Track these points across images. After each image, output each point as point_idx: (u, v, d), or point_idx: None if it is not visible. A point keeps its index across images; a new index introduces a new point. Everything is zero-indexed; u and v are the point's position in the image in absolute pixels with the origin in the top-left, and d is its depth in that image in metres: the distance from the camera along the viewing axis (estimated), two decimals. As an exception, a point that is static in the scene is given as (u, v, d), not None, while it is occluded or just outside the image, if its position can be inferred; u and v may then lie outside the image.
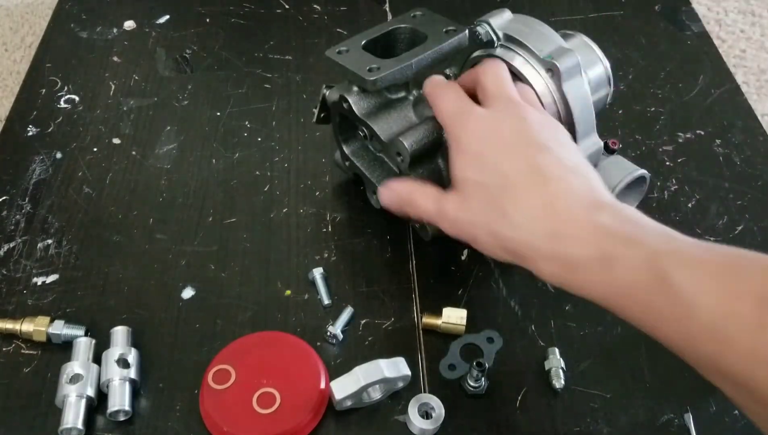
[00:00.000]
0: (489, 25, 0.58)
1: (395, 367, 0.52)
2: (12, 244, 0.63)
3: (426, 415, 0.53)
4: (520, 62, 0.57)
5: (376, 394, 0.53)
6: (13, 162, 0.70)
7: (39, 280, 0.61)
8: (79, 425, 0.51)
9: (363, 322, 0.59)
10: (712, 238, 0.65)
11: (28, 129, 0.73)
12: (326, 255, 0.63)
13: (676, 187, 0.70)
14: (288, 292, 0.61)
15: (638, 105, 0.78)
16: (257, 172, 0.70)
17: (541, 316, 0.59)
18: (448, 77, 0.61)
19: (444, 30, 0.57)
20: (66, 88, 0.78)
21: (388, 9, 0.88)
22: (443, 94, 0.54)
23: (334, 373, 0.54)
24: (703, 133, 0.75)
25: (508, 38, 0.58)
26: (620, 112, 0.76)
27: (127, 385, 0.53)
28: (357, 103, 0.57)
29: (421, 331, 0.58)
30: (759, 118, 0.77)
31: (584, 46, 0.60)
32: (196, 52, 0.82)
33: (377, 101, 0.58)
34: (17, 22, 1.15)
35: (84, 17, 0.86)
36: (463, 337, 0.58)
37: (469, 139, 0.50)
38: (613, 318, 0.59)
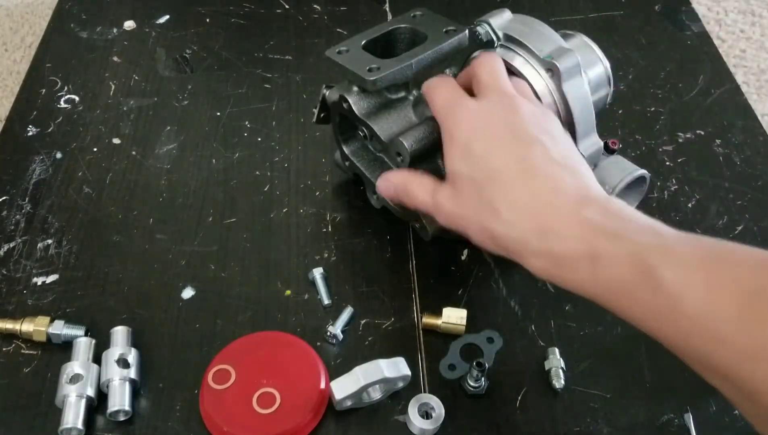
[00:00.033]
0: (489, 25, 0.58)
1: (395, 367, 0.52)
2: (12, 244, 0.63)
3: (426, 415, 0.53)
4: (520, 62, 0.57)
5: (376, 394, 0.53)
6: (13, 162, 0.70)
7: (39, 280, 0.61)
8: (79, 425, 0.51)
9: (363, 322, 0.59)
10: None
11: (28, 129, 0.73)
12: (326, 255, 0.63)
13: (676, 187, 0.70)
14: (288, 292, 0.61)
15: (638, 105, 0.78)
16: (257, 172, 0.70)
17: (541, 316, 0.59)
18: (448, 77, 0.62)
19: (444, 30, 0.57)
20: (66, 88, 0.78)
21: (388, 9, 0.88)
22: (438, 87, 0.54)
23: (334, 373, 0.54)
24: (703, 133, 0.75)
25: (508, 38, 0.58)
26: (620, 112, 0.76)
27: (127, 385, 0.53)
28: (357, 103, 0.57)
29: (421, 331, 0.58)
30: (759, 118, 0.77)
31: (584, 46, 0.60)
32: (196, 52, 0.83)
33: (377, 101, 0.58)
34: (17, 22, 1.15)
35: (84, 17, 0.86)
36: (463, 337, 0.58)
37: (461, 131, 0.50)
38: (613, 318, 0.59)
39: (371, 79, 0.54)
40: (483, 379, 0.54)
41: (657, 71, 0.81)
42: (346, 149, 0.64)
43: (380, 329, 0.58)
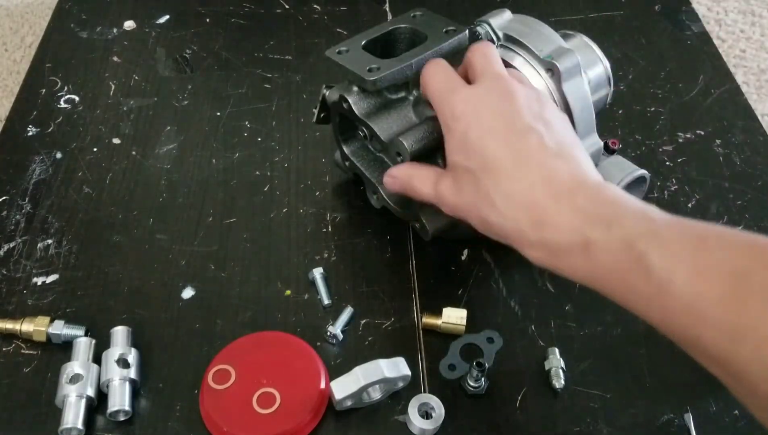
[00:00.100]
0: (489, 25, 0.58)
1: (395, 367, 0.52)
2: (12, 244, 0.63)
3: (426, 415, 0.53)
4: (520, 62, 0.57)
5: (376, 394, 0.53)
6: (13, 162, 0.70)
7: (39, 280, 0.61)
8: (79, 425, 0.51)
9: (363, 322, 0.59)
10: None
11: (28, 129, 0.73)
12: (326, 255, 0.63)
13: (676, 187, 0.70)
14: (288, 292, 0.61)
15: (638, 105, 0.78)
16: (257, 172, 0.70)
17: (541, 316, 0.59)
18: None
19: (444, 30, 0.57)
20: (66, 88, 0.78)
21: (388, 9, 0.88)
22: (433, 73, 0.54)
23: (334, 373, 0.54)
24: (703, 133, 0.75)
25: (508, 38, 0.58)
26: (620, 112, 0.76)
27: (127, 385, 0.53)
28: (357, 103, 0.57)
29: (421, 331, 0.58)
30: (759, 118, 0.77)
31: (584, 46, 0.60)
32: (196, 52, 0.83)
33: (377, 101, 0.58)
34: (17, 22, 1.15)
35: (84, 17, 0.86)
36: (463, 337, 0.58)
37: (456, 118, 0.50)
38: (613, 318, 0.59)
39: (371, 79, 0.54)
40: (483, 379, 0.54)
41: (657, 71, 0.81)
42: (346, 149, 0.64)
43: (380, 329, 0.58)
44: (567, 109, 0.56)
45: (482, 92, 0.51)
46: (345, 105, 0.58)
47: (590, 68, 0.60)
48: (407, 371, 0.53)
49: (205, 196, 0.68)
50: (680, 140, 0.74)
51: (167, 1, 0.89)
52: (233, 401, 0.52)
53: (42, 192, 0.68)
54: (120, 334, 0.55)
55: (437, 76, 0.53)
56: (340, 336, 0.57)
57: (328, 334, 0.57)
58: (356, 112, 0.57)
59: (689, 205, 0.68)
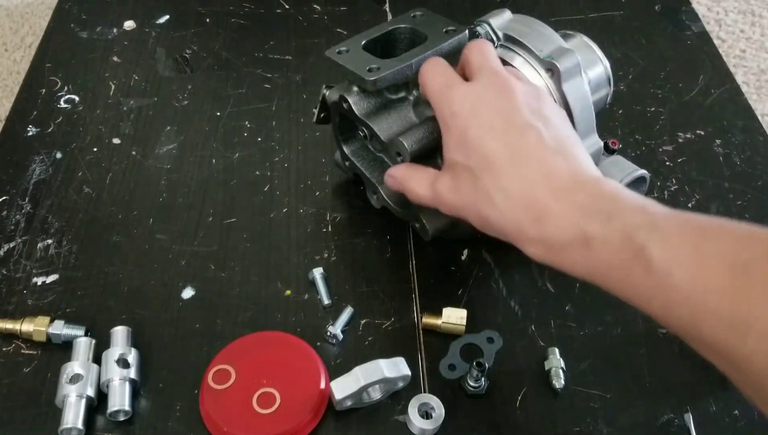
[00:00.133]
0: (489, 25, 0.58)
1: (395, 367, 0.52)
2: (12, 244, 0.63)
3: (426, 415, 0.53)
4: (520, 62, 0.57)
5: (376, 394, 0.53)
6: (13, 162, 0.70)
7: (39, 280, 0.61)
8: (79, 425, 0.51)
9: (363, 322, 0.59)
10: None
11: (28, 129, 0.73)
12: (326, 255, 0.63)
13: (676, 187, 0.70)
14: (288, 292, 0.61)
15: (638, 105, 0.78)
16: (257, 172, 0.70)
17: (541, 316, 0.59)
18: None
19: (444, 30, 0.57)
20: (66, 88, 0.78)
21: (388, 9, 0.88)
22: (430, 72, 0.54)
23: (334, 373, 0.54)
24: (703, 133, 0.75)
25: (508, 38, 0.58)
26: (620, 112, 0.76)
27: (127, 385, 0.53)
28: (357, 104, 0.57)
29: (421, 331, 0.58)
30: (759, 118, 0.77)
31: (584, 46, 0.60)
32: (196, 52, 0.83)
33: (377, 101, 0.58)
34: (17, 22, 1.15)
35: (84, 17, 0.86)
36: (463, 337, 0.58)
37: (454, 115, 0.50)
38: (613, 318, 0.59)
39: (371, 79, 0.54)
40: (483, 379, 0.54)
41: (657, 71, 0.81)
42: (346, 149, 0.64)
43: (380, 329, 0.58)
44: (567, 109, 0.56)
45: (480, 89, 0.51)
46: (345, 105, 0.58)
47: (590, 68, 0.60)
48: (407, 371, 0.53)
49: (205, 196, 0.68)
50: (680, 140, 0.74)
51: (167, 1, 0.89)
52: (233, 401, 0.52)
53: (42, 192, 0.68)
54: (120, 334, 0.55)
55: (435, 75, 0.53)
56: (340, 336, 0.57)
57: (328, 334, 0.57)
58: (356, 112, 0.57)
59: (689, 205, 0.68)
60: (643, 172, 0.60)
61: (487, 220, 0.49)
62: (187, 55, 0.82)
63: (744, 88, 0.88)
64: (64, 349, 0.56)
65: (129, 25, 0.85)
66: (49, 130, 0.73)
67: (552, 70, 0.56)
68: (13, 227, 0.65)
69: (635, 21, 0.88)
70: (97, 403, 0.53)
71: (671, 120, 0.76)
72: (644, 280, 0.41)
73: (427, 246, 0.63)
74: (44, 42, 0.84)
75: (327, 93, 0.61)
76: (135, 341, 0.56)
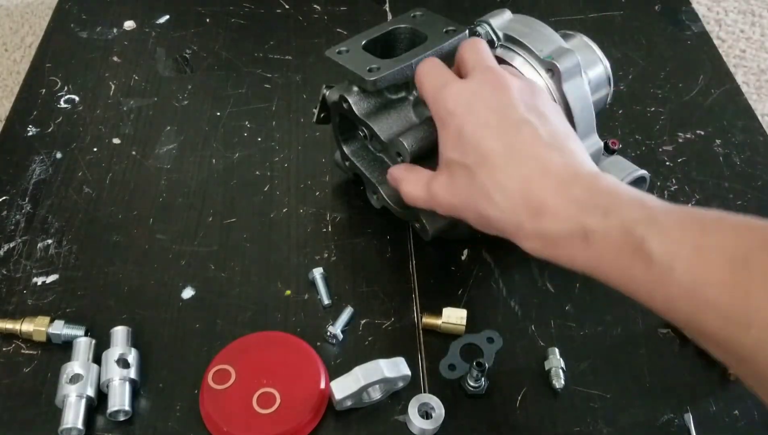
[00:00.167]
0: (489, 25, 0.58)
1: (395, 367, 0.52)
2: (12, 244, 0.63)
3: (426, 415, 0.53)
4: (520, 62, 0.57)
5: (376, 394, 0.53)
6: (13, 162, 0.70)
7: (39, 280, 0.61)
8: (79, 425, 0.51)
9: (363, 322, 0.59)
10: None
11: (28, 129, 0.73)
12: (326, 255, 0.63)
13: (676, 187, 0.70)
14: (288, 292, 0.61)
15: (638, 105, 0.78)
16: (257, 172, 0.70)
17: (541, 316, 0.59)
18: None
19: (444, 30, 0.57)
20: (66, 88, 0.78)
21: (388, 9, 0.88)
22: (426, 71, 0.54)
23: (334, 373, 0.54)
24: (703, 133, 0.75)
25: (508, 38, 0.58)
26: (620, 112, 0.76)
27: (127, 385, 0.53)
28: (357, 104, 0.57)
29: (421, 331, 0.58)
30: (759, 118, 0.77)
31: (584, 46, 0.60)
32: (196, 52, 0.83)
33: (377, 101, 0.58)
34: (17, 22, 1.15)
35: (84, 17, 0.86)
36: (463, 337, 0.58)
37: (450, 112, 0.50)
38: (613, 318, 0.59)
39: (371, 79, 0.54)
40: (483, 379, 0.54)
41: (657, 71, 0.81)
42: (346, 149, 0.64)
43: (380, 329, 0.58)
44: (567, 109, 0.56)
45: (475, 86, 0.51)
46: (345, 105, 0.58)
47: (590, 68, 0.60)
48: (407, 371, 0.53)
49: (205, 196, 0.68)
50: (680, 140, 0.74)
51: (167, 1, 0.89)
52: (233, 401, 0.52)
53: (42, 192, 0.68)
54: (120, 334, 0.55)
55: (430, 74, 0.53)
56: (340, 336, 0.57)
57: (328, 334, 0.57)
58: (356, 112, 0.57)
59: (689, 205, 0.68)
60: (643, 172, 0.60)
61: (484, 216, 0.49)
62: (187, 55, 0.82)
63: (744, 88, 0.88)
64: (64, 349, 0.56)
65: (129, 25, 0.85)
66: (49, 130, 0.73)
67: (552, 70, 0.56)
68: (13, 227, 0.65)
69: (635, 21, 0.88)
70: (97, 403, 0.53)
71: (671, 120, 0.76)
72: (644, 274, 0.41)
73: (427, 246, 0.63)
74: (44, 42, 0.84)
75: (327, 93, 0.61)
76: (135, 341, 0.56)
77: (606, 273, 0.44)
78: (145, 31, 0.85)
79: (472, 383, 0.54)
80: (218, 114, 0.76)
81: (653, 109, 0.77)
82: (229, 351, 0.55)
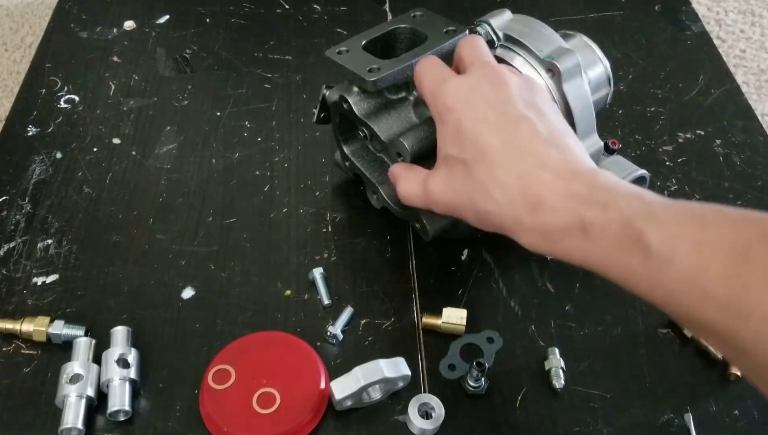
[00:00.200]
0: (489, 25, 0.58)
1: (395, 367, 0.52)
2: (12, 244, 0.63)
3: (426, 415, 0.53)
4: (520, 62, 0.57)
5: (376, 394, 0.53)
6: (13, 162, 0.70)
7: (39, 280, 0.61)
8: (79, 425, 0.51)
9: (363, 322, 0.59)
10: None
11: (28, 129, 0.73)
12: (326, 255, 0.63)
13: (676, 187, 0.70)
14: (288, 292, 0.61)
15: (638, 105, 0.78)
16: (257, 172, 0.70)
17: (541, 316, 0.59)
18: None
19: (444, 30, 0.57)
20: (66, 88, 0.78)
21: (388, 9, 0.88)
22: (424, 70, 0.54)
23: (334, 373, 0.54)
24: (703, 133, 0.75)
25: (508, 38, 0.58)
26: (620, 112, 0.76)
27: (127, 385, 0.53)
28: (357, 104, 0.57)
29: (421, 331, 0.58)
30: (759, 118, 0.77)
31: (584, 46, 0.60)
32: (196, 52, 0.83)
33: (377, 102, 0.58)
34: (17, 22, 1.15)
35: (84, 17, 0.86)
36: (463, 337, 0.58)
37: (449, 109, 0.50)
38: (613, 318, 0.59)
39: (371, 79, 0.54)
40: (483, 379, 0.54)
41: (657, 71, 0.81)
42: (346, 149, 0.64)
43: (380, 329, 0.58)
44: (567, 109, 0.56)
45: (474, 81, 0.51)
46: (345, 105, 0.58)
47: (590, 68, 0.60)
48: (407, 371, 0.53)
49: (205, 196, 0.68)
50: (680, 140, 0.74)
51: (167, 1, 0.89)
52: (233, 401, 0.52)
53: (42, 192, 0.68)
54: (120, 334, 0.55)
55: (429, 72, 0.53)
56: (340, 336, 0.57)
57: (328, 334, 0.57)
58: (356, 112, 0.57)
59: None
60: (643, 172, 0.60)
61: (482, 212, 0.49)
62: (187, 55, 0.82)
63: (744, 88, 0.88)
64: (64, 349, 0.56)
65: (129, 25, 0.85)
66: (49, 130, 0.73)
67: (552, 70, 0.56)
68: (13, 227, 0.65)
69: (635, 21, 0.88)
70: (97, 403, 0.53)
71: (671, 120, 0.76)
72: (643, 267, 0.41)
73: (427, 246, 0.63)
74: (44, 42, 0.84)
75: (327, 93, 0.61)
76: (135, 341, 0.56)
77: (605, 266, 0.44)
78: (145, 31, 0.85)
79: (472, 383, 0.54)
80: (218, 114, 0.76)
81: (653, 109, 0.77)
82: (229, 351, 0.55)
